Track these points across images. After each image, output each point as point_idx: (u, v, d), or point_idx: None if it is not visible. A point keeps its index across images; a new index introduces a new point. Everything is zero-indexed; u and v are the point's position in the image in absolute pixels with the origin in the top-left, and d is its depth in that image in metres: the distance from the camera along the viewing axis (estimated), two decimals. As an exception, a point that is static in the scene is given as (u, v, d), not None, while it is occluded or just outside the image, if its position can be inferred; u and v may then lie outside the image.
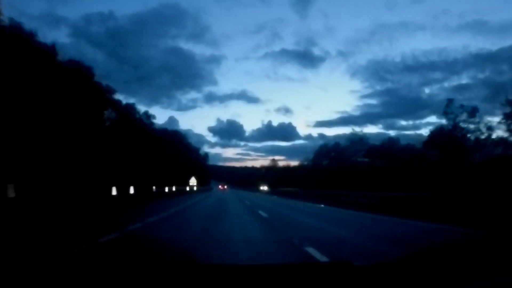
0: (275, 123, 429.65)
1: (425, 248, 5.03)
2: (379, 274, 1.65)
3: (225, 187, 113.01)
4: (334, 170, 55.68)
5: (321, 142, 78.66)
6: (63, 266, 1.75)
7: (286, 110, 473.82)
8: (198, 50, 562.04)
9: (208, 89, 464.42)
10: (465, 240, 7.39)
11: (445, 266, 1.73)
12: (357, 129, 67.53)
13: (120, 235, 7.49)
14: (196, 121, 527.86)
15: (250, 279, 1.60)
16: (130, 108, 43.38)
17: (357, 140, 57.25)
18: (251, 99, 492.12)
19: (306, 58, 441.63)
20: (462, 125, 38.99)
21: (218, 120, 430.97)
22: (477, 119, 38.10)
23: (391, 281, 1.57)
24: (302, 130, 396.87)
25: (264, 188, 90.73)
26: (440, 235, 8.40)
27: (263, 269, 1.86)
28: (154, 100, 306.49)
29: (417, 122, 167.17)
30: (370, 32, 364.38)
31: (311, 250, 5.71)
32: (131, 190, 24.52)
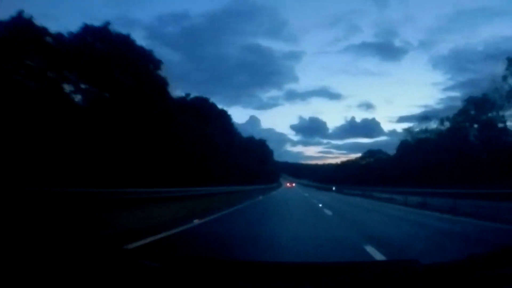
0: (357, 119, 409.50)
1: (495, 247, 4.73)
2: (448, 273, 1.60)
3: (293, 184, 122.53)
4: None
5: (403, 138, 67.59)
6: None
7: (368, 106, 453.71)
8: (277, 46, 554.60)
9: (288, 86, 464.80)
10: None
11: None
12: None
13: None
14: (277, 119, 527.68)
15: (315, 276, 1.62)
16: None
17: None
18: (333, 95, 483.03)
19: (386, 50, 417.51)
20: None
21: (300, 117, 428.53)
22: None
23: (460, 281, 1.51)
24: (385, 126, 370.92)
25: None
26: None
27: (329, 267, 1.89)
28: (234, 99, 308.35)
29: (503, 114, 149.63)
30: (450, 20, 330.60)
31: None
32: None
